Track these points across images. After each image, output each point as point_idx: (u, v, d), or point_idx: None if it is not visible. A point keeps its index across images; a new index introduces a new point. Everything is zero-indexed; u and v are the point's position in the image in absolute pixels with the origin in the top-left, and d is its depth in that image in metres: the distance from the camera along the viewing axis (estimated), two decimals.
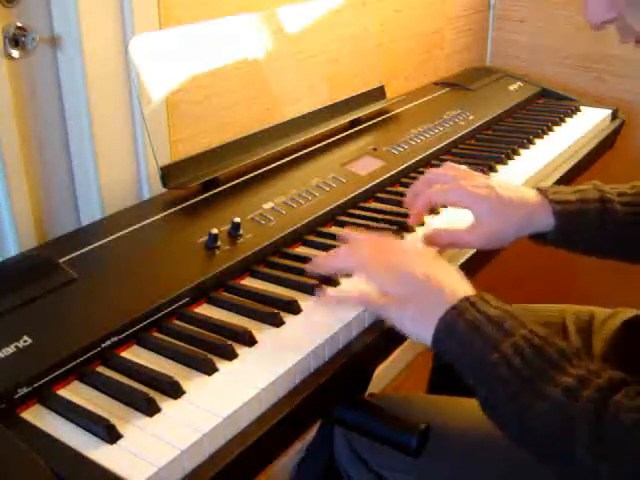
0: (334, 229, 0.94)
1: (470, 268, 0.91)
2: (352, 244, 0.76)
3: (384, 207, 0.99)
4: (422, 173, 1.11)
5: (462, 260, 0.89)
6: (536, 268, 1.74)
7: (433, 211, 0.97)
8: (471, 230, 0.84)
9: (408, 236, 0.91)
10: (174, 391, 0.62)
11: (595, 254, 0.89)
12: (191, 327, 0.72)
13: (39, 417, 0.60)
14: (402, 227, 0.91)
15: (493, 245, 0.85)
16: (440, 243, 0.85)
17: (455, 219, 0.91)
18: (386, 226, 0.92)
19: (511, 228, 0.84)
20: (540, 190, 0.87)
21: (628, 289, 1.58)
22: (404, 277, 0.70)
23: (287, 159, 1.07)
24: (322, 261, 0.76)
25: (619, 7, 0.63)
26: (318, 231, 0.92)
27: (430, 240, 0.85)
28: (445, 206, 0.97)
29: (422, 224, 0.93)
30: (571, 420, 0.57)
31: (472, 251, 0.90)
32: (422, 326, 0.67)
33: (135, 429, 0.58)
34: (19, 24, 0.83)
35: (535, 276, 1.83)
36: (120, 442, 0.57)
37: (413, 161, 1.12)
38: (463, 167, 0.91)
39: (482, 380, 0.63)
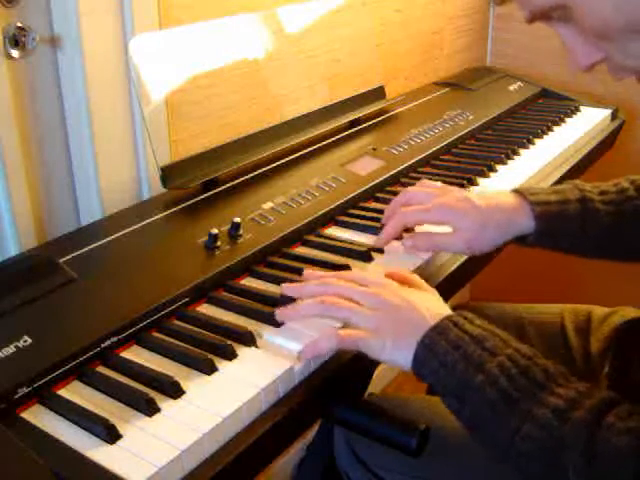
0: (334, 229, 0.94)
1: (467, 271, 0.92)
2: (316, 286, 0.72)
3: (384, 207, 0.98)
4: (422, 173, 1.11)
5: (458, 264, 0.88)
6: (534, 268, 1.74)
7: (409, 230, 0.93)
8: (452, 234, 0.83)
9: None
10: (174, 391, 0.62)
11: (578, 254, 0.88)
12: (191, 327, 0.72)
13: (39, 417, 0.60)
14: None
15: (475, 250, 0.84)
16: (421, 246, 0.85)
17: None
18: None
19: (492, 235, 0.83)
20: (518, 192, 0.86)
21: (626, 288, 1.58)
22: (378, 305, 0.68)
23: (287, 159, 1.07)
24: (290, 313, 0.71)
25: (604, 47, 0.61)
26: (318, 231, 0.92)
27: (411, 244, 0.85)
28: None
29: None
30: (561, 442, 0.56)
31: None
32: (404, 351, 0.65)
33: (135, 429, 0.58)
34: (19, 24, 0.83)
35: (534, 276, 1.83)
36: (120, 442, 0.57)
37: (413, 161, 1.12)
38: (438, 184, 0.91)
39: (466, 402, 0.62)
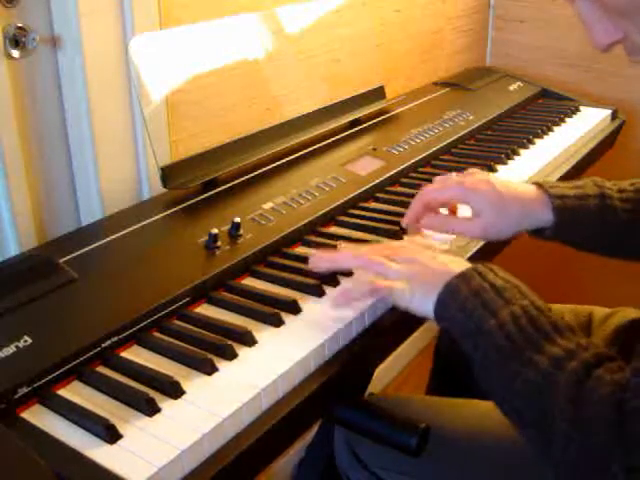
0: (334, 229, 0.94)
1: None
2: (350, 247, 0.78)
3: (384, 207, 0.99)
4: (422, 173, 1.11)
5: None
6: (535, 268, 1.74)
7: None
8: (470, 220, 0.85)
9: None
10: (174, 391, 0.62)
11: (594, 250, 0.89)
12: (191, 327, 0.72)
13: (39, 417, 0.60)
14: (402, 228, 0.91)
15: (490, 237, 0.86)
16: (437, 226, 0.86)
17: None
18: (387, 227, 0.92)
19: (509, 222, 0.84)
20: (539, 185, 0.87)
21: (626, 289, 1.58)
22: (409, 260, 0.73)
23: (287, 159, 1.07)
24: (326, 257, 0.77)
25: (623, 27, 0.63)
26: (318, 231, 0.92)
27: (427, 223, 0.86)
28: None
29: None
30: (554, 388, 0.58)
31: (471, 251, 0.90)
32: (430, 298, 0.69)
33: (135, 429, 0.58)
34: (19, 24, 0.83)
35: (534, 276, 1.83)
36: (120, 442, 0.57)
37: (413, 161, 1.12)
38: (453, 174, 0.91)
39: (478, 346, 0.65)
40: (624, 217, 0.85)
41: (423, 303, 0.70)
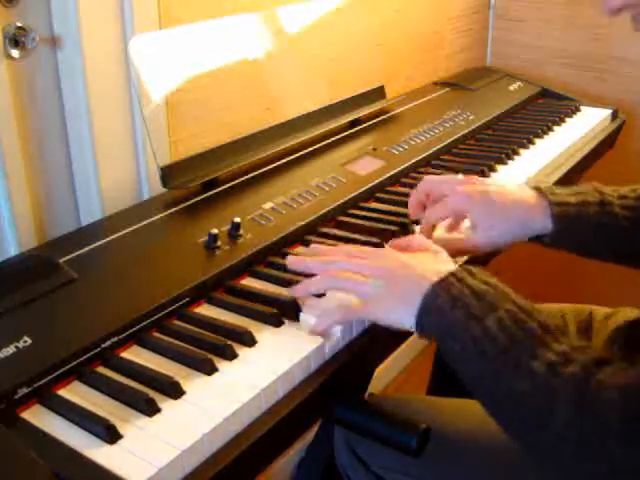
0: (334, 229, 0.94)
1: None
2: (319, 264, 0.75)
3: (384, 207, 0.99)
4: (422, 173, 1.11)
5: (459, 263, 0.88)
6: (535, 268, 1.74)
7: None
8: (468, 237, 0.84)
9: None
10: (174, 391, 0.62)
11: (594, 257, 0.89)
12: (191, 327, 0.72)
13: (39, 417, 0.60)
14: (403, 227, 0.91)
15: (490, 248, 0.85)
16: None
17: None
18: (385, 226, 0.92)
19: (508, 231, 0.84)
20: (539, 190, 0.86)
21: (627, 288, 1.58)
22: (378, 272, 0.70)
23: (287, 159, 1.07)
24: (300, 288, 0.74)
25: None
26: (318, 231, 0.92)
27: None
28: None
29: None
30: (552, 394, 0.57)
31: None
32: (407, 310, 0.66)
33: (135, 429, 0.58)
34: (19, 24, 0.83)
35: (534, 276, 1.83)
36: (120, 442, 0.57)
37: (413, 161, 1.12)
38: (459, 176, 0.91)
39: (464, 355, 0.63)
40: (624, 224, 0.85)
41: (400, 316, 0.67)
